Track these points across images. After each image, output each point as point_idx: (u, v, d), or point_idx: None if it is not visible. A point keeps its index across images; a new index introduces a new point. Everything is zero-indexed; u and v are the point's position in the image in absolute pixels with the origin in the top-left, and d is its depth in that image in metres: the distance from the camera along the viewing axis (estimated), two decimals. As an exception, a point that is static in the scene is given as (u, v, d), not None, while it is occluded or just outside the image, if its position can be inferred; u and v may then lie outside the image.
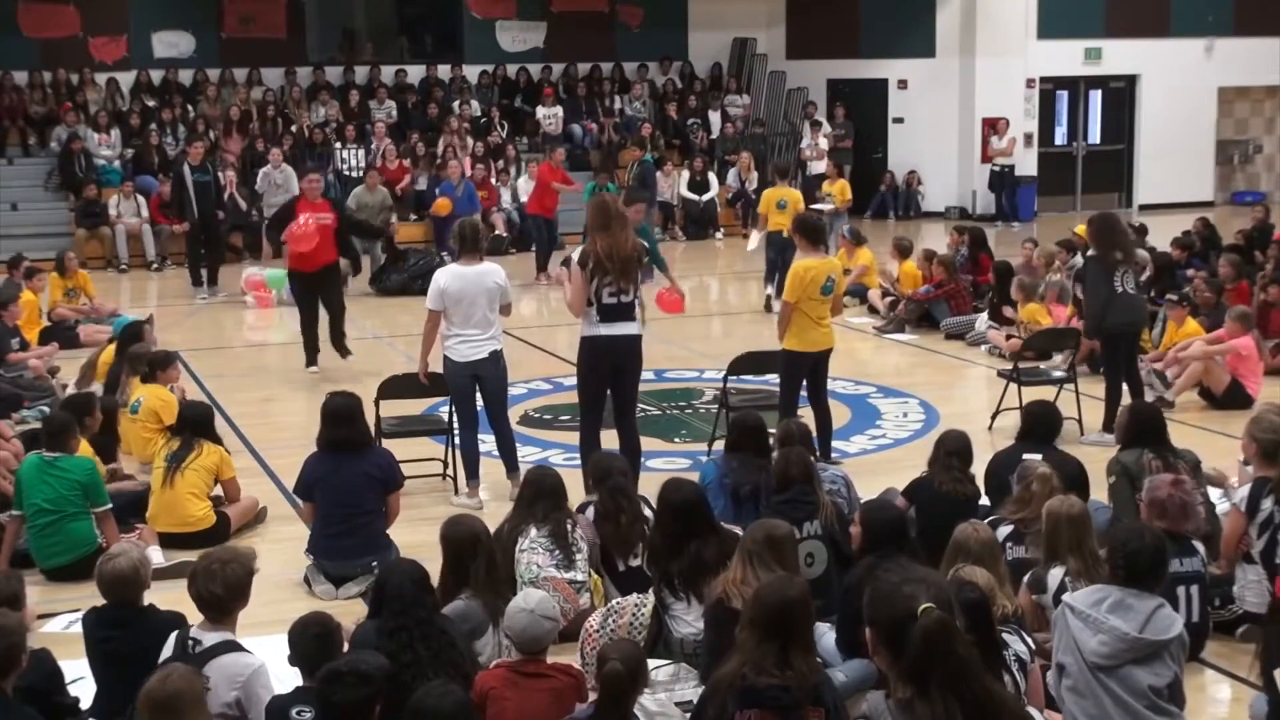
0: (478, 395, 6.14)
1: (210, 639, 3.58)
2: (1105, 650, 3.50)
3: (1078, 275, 7.12)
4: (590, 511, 4.84)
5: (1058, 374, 7.48)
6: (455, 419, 6.19)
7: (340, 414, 5.23)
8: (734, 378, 6.84)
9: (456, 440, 6.22)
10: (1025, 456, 5.08)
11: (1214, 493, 5.19)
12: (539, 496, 4.71)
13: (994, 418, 7.22)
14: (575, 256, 5.80)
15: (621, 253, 5.68)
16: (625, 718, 3.28)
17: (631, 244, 5.74)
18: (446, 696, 3.10)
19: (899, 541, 4.01)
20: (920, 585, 2.70)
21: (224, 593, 3.62)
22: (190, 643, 3.57)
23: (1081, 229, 11.02)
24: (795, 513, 4.44)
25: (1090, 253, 6.94)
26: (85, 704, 3.86)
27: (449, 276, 6.01)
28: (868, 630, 2.74)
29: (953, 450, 4.94)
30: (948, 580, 3.67)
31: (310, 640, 3.52)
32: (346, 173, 14.74)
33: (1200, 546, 4.41)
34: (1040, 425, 5.34)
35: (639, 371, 5.96)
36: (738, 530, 4.39)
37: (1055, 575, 4.08)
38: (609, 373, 5.84)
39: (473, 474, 6.12)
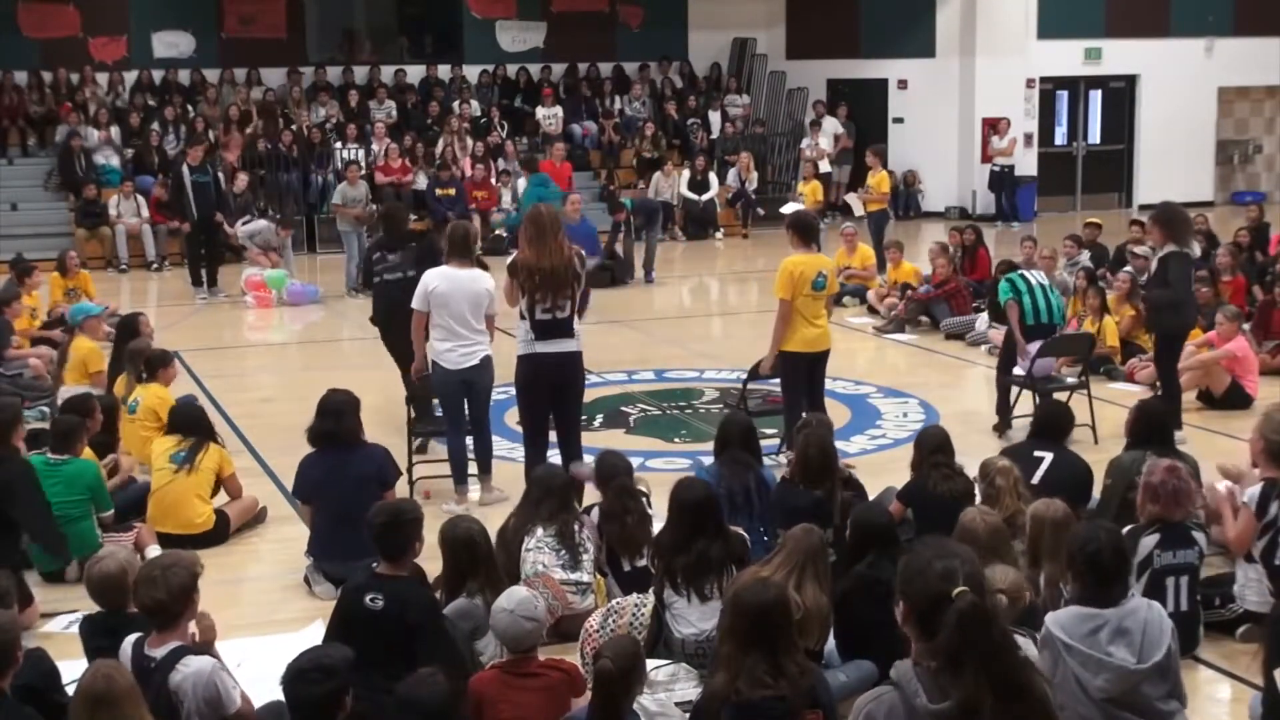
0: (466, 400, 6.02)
1: (161, 652, 3.48)
2: (1113, 688, 3.46)
3: (1160, 270, 6.72)
4: (595, 513, 4.83)
5: (1071, 379, 7.43)
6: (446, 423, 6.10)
7: (329, 408, 5.25)
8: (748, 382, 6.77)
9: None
10: (1035, 453, 5.10)
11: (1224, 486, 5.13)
12: (546, 496, 4.69)
13: (1007, 424, 7.08)
14: (508, 263, 5.64)
15: (549, 266, 5.44)
16: (620, 716, 3.26)
17: (565, 259, 5.48)
18: (434, 686, 3.11)
19: (888, 546, 4.01)
20: (954, 560, 2.65)
21: (168, 598, 3.47)
22: (147, 661, 3.50)
23: (1094, 220, 11.08)
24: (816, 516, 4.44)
25: (1170, 248, 6.66)
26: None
27: (438, 277, 5.91)
28: (899, 601, 2.73)
29: (936, 448, 4.92)
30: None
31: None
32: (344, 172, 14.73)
33: (1200, 538, 4.39)
34: (1051, 424, 5.32)
35: (581, 391, 5.81)
36: (742, 531, 4.40)
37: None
38: (548, 394, 5.64)
39: (460, 479, 6.05)
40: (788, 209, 12.02)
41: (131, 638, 3.58)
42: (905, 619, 2.72)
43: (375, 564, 3.98)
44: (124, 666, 3.18)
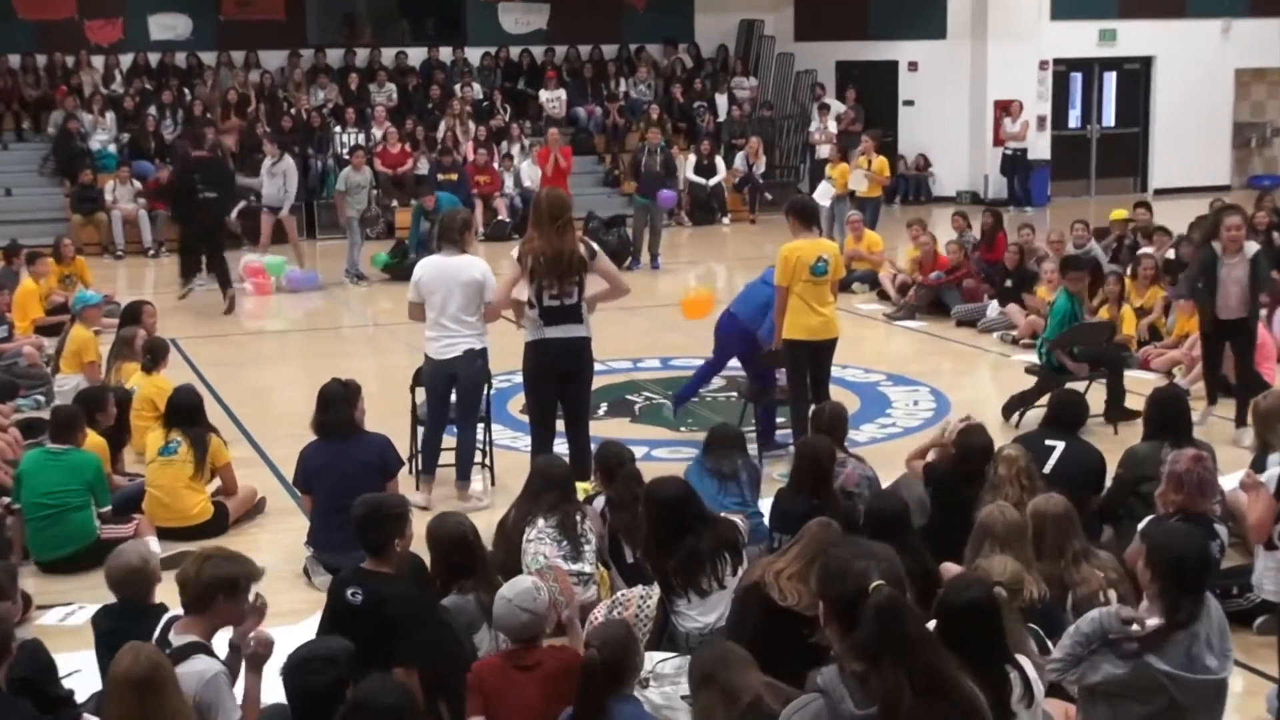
0: (453, 395, 5.91)
1: (178, 641, 3.48)
2: (1205, 695, 3.35)
3: (1254, 268, 6.72)
4: (599, 503, 4.77)
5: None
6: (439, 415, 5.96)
7: (322, 399, 5.27)
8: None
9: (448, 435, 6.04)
10: (1047, 442, 5.02)
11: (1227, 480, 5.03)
12: (547, 487, 4.63)
13: (1021, 414, 7.00)
14: (514, 252, 5.58)
15: (556, 254, 5.37)
16: (601, 709, 3.16)
17: (569, 247, 5.41)
18: (387, 691, 3.04)
19: (900, 535, 3.95)
20: (871, 560, 2.73)
21: (194, 584, 3.46)
22: (165, 644, 3.49)
23: (1119, 214, 10.91)
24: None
25: (1254, 245, 6.67)
26: (81, 697, 3.79)
27: (424, 267, 5.87)
28: (820, 604, 2.80)
29: (976, 458, 4.73)
30: (966, 573, 3.62)
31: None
32: (346, 156, 14.58)
33: (1222, 531, 4.33)
34: (1065, 414, 5.24)
35: (589, 377, 5.71)
36: (735, 519, 4.35)
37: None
38: (556, 379, 5.56)
39: (428, 470, 5.94)
40: (819, 194, 11.90)
41: (167, 615, 3.62)
42: (826, 620, 2.79)
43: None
44: (158, 651, 3.17)
